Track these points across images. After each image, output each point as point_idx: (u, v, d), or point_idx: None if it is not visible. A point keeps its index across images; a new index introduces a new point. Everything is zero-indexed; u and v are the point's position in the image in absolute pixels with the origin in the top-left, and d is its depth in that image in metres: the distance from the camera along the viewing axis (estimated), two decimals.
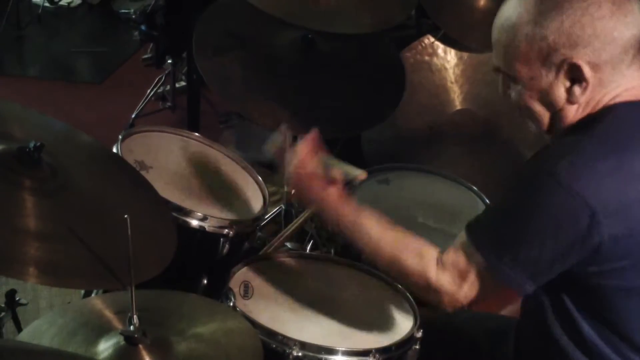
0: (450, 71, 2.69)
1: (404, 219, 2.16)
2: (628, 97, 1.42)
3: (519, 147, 2.68)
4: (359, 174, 1.69)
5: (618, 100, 1.42)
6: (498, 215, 1.50)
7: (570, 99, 1.43)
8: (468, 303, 1.50)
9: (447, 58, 2.68)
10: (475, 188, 2.31)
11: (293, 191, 1.72)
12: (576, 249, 1.38)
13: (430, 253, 1.52)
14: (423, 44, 2.66)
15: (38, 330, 1.45)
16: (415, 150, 2.69)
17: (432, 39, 2.63)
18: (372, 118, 2.32)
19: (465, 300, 1.49)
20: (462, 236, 1.49)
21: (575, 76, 1.41)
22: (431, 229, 2.14)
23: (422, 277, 1.51)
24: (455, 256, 1.48)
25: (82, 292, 2.14)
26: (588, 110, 1.44)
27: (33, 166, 1.47)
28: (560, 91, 1.43)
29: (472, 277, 1.47)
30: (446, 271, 1.49)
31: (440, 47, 2.66)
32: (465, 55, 2.65)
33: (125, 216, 1.32)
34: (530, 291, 1.45)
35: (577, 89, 1.42)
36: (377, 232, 1.58)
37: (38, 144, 1.46)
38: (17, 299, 1.88)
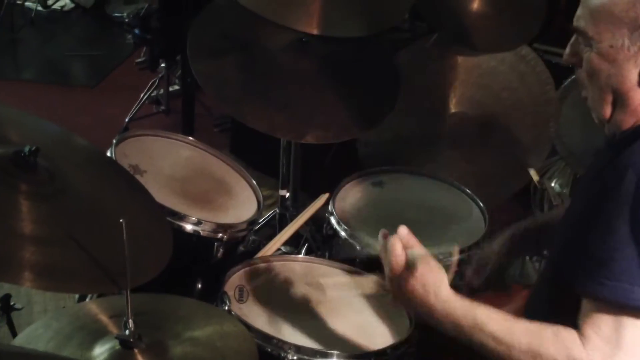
0: (445, 74, 2.69)
1: (398, 221, 2.17)
2: None
3: (513, 150, 2.69)
4: (453, 250, 1.53)
5: None
6: (600, 243, 1.35)
7: None
8: None
9: (442, 61, 2.69)
10: (469, 191, 2.32)
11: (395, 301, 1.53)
12: None
13: (569, 333, 1.37)
14: (418, 47, 2.67)
15: (33, 335, 1.44)
16: (409, 153, 2.69)
17: (426, 42, 2.64)
18: (367, 122, 2.32)
19: None
20: (585, 304, 1.36)
21: None
22: (426, 231, 2.14)
23: None
24: (594, 323, 1.34)
25: (77, 296, 2.14)
26: None
27: (29, 170, 1.47)
28: (633, 71, 1.35)
29: (623, 337, 1.33)
30: (594, 345, 1.34)
31: (434, 51, 2.67)
32: (459, 58, 2.66)
33: (121, 220, 1.32)
34: None
35: None
36: (503, 330, 1.40)
37: (34, 147, 1.46)
38: (11, 303, 1.88)
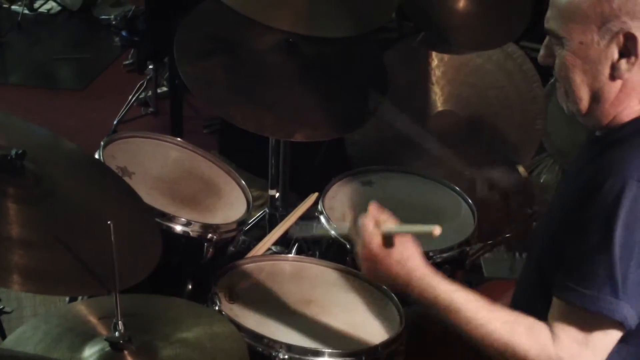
0: (432, 73, 2.70)
1: None
2: None
3: (500, 148, 2.70)
4: (432, 229, 1.45)
5: None
6: (583, 251, 1.36)
7: (615, 73, 1.39)
8: None
9: (428, 60, 2.70)
10: (458, 188, 2.32)
11: (370, 279, 1.55)
12: None
13: (542, 329, 1.39)
14: (404, 46, 2.68)
15: (22, 337, 1.44)
16: (398, 152, 2.70)
17: (413, 41, 2.65)
18: (355, 121, 2.33)
19: None
20: (556, 302, 1.39)
21: (626, 49, 1.37)
22: None
23: (541, 358, 1.37)
24: (564, 324, 1.37)
25: (67, 299, 2.13)
26: (637, 109, 1.41)
27: (16, 173, 1.46)
28: (606, 63, 1.39)
29: (592, 340, 1.35)
30: (562, 344, 1.37)
31: (421, 49, 2.68)
32: (446, 56, 2.67)
33: (109, 222, 1.32)
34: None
35: (623, 64, 1.38)
36: (478, 317, 1.42)
37: (20, 151, 1.46)
38: (0, 307, 1.87)
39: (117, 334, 1.39)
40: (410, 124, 2.37)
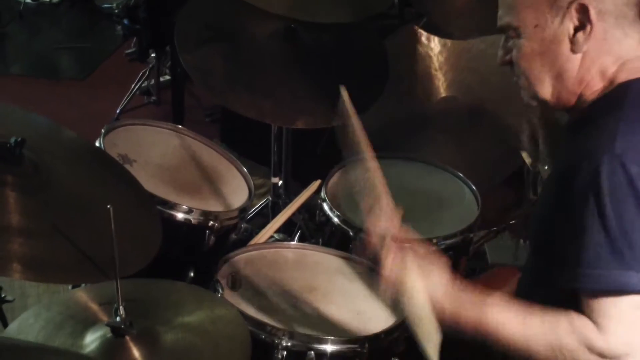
0: (434, 58, 2.68)
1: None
2: (636, 73, 1.40)
3: (503, 134, 2.68)
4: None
5: (629, 76, 1.40)
6: (577, 235, 1.35)
7: (574, 47, 1.40)
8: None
9: (431, 45, 2.68)
10: (461, 174, 2.31)
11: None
12: None
13: (583, 321, 1.36)
14: (406, 32, 2.66)
15: (24, 325, 1.44)
16: (400, 139, 2.69)
17: (415, 26, 2.63)
18: (355, 107, 2.31)
19: (621, 349, 1.34)
20: (582, 295, 1.36)
21: (581, 21, 1.38)
22: (419, 216, 2.14)
23: (591, 350, 1.34)
24: (599, 311, 1.34)
25: (70, 287, 2.13)
26: (600, 81, 1.42)
27: (15, 162, 1.46)
28: (564, 40, 1.40)
29: (626, 315, 1.34)
30: (608, 330, 1.34)
31: (423, 35, 2.66)
32: (448, 42, 2.65)
33: (108, 206, 1.31)
34: None
35: (580, 36, 1.39)
36: (519, 328, 1.40)
37: (19, 139, 1.45)
38: (2, 295, 1.87)
39: (118, 319, 1.39)
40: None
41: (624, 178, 1.31)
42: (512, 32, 1.45)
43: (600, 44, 1.40)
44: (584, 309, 1.37)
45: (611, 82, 1.42)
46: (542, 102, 1.49)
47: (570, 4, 1.38)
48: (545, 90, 1.46)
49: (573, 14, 1.39)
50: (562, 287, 1.39)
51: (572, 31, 1.40)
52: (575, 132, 1.45)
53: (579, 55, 1.41)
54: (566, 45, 1.41)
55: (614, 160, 1.31)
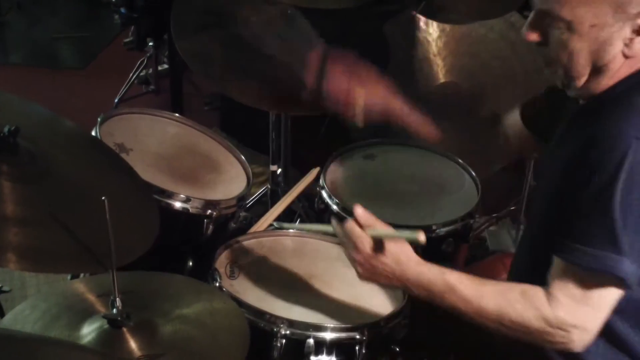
0: (433, 44, 2.66)
1: (390, 193, 2.17)
2: None
3: (504, 119, 2.66)
4: (417, 235, 1.47)
5: None
6: (580, 209, 1.36)
7: (627, 51, 1.38)
8: (598, 327, 1.39)
9: (430, 31, 2.66)
10: (460, 160, 2.30)
11: (363, 280, 1.57)
12: None
13: (536, 291, 1.41)
14: (405, 17, 2.64)
15: (21, 315, 1.44)
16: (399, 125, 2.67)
17: (413, 12, 2.60)
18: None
19: (593, 325, 1.39)
20: (556, 261, 1.40)
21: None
22: (418, 203, 2.13)
23: (538, 320, 1.40)
24: (562, 283, 1.38)
25: (69, 278, 2.13)
26: (625, 71, 1.41)
27: (9, 151, 1.45)
28: (617, 43, 1.38)
29: (591, 298, 1.37)
30: (559, 303, 1.38)
31: (422, 20, 2.63)
32: (447, 27, 2.63)
33: (103, 198, 1.30)
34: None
35: (637, 41, 1.37)
36: (472, 292, 1.46)
37: (13, 128, 1.44)
38: None
39: (114, 311, 1.38)
40: None
41: None
42: (559, 22, 1.40)
43: None
44: (553, 273, 1.40)
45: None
46: (568, 87, 1.46)
47: (637, 14, 1.35)
48: (580, 81, 1.44)
49: (638, 22, 1.36)
50: (555, 254, 1.40)
51: (629, 36, 1.37)
52: (592, 114, 1.43)
53: (624, 57, 1.40)
54: (618, 48, 1.39)
55: None
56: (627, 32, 1.37)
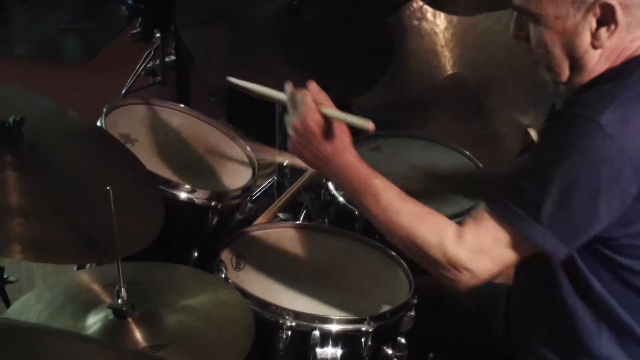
0: (440, 35, 2.66)
1: (396, 185, 2.15)
2: None
3: (510, 111, 2.66)
4: (365, 124, 1.46)
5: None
6: (525, 174, 1.40)
7: (595, 42, 1.38)
8: (489, 278, 1.43)
9: (437, 22, 2.65)
10: (467, 152, 2.29)
11: (291, 151, 1.56)
12: (614, 209, 1.33)
13: (451, 226, 1.44)
14: (411, 8, 2.62)
15: (26, 305, 1.44)
16: (406, 117, 2.66)
17: (420, 3, 2.59)
18: (360, 85, 2.29)
19: (486, 275, 1.42)
20: (482, 206, 1.42)
21: (605, 18, 1.36)
22: (425, 195, 2.11)
23: (439, 251, 1.42)
24: (476, 227, 1.41)
25: (75, 268, 2.13)
26: (610, 62, 1.40)
27: (14, 142, 1.45)
28: (585, 34, 1.38)
29: (495, 250, 1.39)
30: (466, 244, 1.41)
31: (429, 11, 2.63)
32: (454, 18, 2.62)
33: (108, 188, 1.30)
34: (563, 257, 1.39)
35: (603, 32, 1.37)
36: (394, 201, 1.47)
37: (18, 118, 1.44)
38: (5, 276, 1.87)
39: (120, 301, 1.38)
40: None
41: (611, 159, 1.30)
42: (530, 17, 1.42)
43: (623, 36, 1.38)
44: (474, 214, 1.42)
45: (626, 58, 1.40)
46: (557, 84, 1.47)
47: (594, 2, 1.35)
48: (563, 76, 1.44)
49: (597, 10, 1.36)
50: (485, 201, 1.42)
51: (594, 26, 1.37)
52: (571, 104, 1.44)
53: (599, 50, 1.39)
54: (587, 39, 1.38)
55: (603, 134, 1.30)
56: (592, 22, 1.37)
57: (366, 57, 2.27)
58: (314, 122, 1.49)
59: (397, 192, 1.49)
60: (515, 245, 1.38)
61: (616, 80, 1.37)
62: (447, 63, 2.67)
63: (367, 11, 2.37)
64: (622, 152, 1.30)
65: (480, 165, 2.25)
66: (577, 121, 1.34)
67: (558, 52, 1.41)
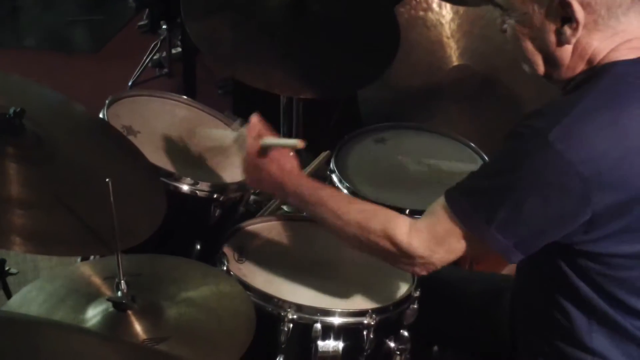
0: (446, 26, 2.63)
1: (401, 177, 2.15)
2: (629, 54, 1.37)
3: (517, 103, 2.63)
4: (296, 143, 1.67)
5: (618, 56, 1.37)
6: (483, 176, 1.44)
7: (561, 39, 1.38)
8: (445, 264, 1.48)
9: (443, 13, 2.63)
10: (473, 145, 2.27)
11: (249, 184, 1.76)
12: (568, 222, 1.34)
13: (402, 218, 1.50)
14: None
15: (26, 298, 1.44)
16: (411, 109, 2.65)
17: None
18: (365, 77, 2.28)
19: (441, 263, 1.47)
20: (441, 200, 1.45)
21: (567, 15, 1.36)
22: (429, 187, 2.11)
23: (391, 241, 1.47)
24: (432, 220, 1.45)
25: (79, 260, 2.13)
26: (585, 62, 1.39)
27: (14, 133, 1.44)
28: (550, 30, 1.38)
29: (449, 243, 1.43)
30: (420, 235, 1.45)
31: (435, 2, 2.60)
32: (461, 9, 2.59)
33: (107, 179, 1.29)
34: (516, 261, 1.42)
35: (567, 30, 1.37)
36: (343, 204, 1.56)
37: (18, 109, 1.43)
38: (7, 268, 1.87)
39: (119, 294, 1.38)
40: None
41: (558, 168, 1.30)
42: (504, 11, 1.43)
43: (593, 34, 1.37)
44: (430, 208, 1.46)
45: (598, 62, 1.39)
46: (535, 74, 1.47)
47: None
48: (539, 69, 1.45)
49: (558, 8, 1.36)
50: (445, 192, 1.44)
51: (559, 23, 1.37)
52: (536, 111, 1.43)
53: (569, 46, 1.38)
54: (553, 36, 1.39)
55: (551, 150, 1.29)
56: (556, 19, 1.37)
57: (372, 49, 2.26)
58: (254, 153, 1.65)
59: (346, 197, 1.64)
60: (468, 240, 1.42)
61: (581, 89, 1.37)
62: (453, 54, 2.65)
63: (373, 2, 2.35)
64: (570, 166, 1.30)
65: (486, 157, 2.23)
66: (529, 133, 1.34)
67: (529, 47, 1.42)
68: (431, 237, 1.44)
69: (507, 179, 1.36)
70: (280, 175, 1.63)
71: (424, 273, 1.50)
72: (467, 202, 1.40)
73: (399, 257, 1.48)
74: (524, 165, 1.33)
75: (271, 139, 1.68)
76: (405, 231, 1.47)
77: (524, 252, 1.39)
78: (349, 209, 1.55)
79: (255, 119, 1.69)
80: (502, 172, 1.38)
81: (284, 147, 1.68)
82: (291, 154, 1.67)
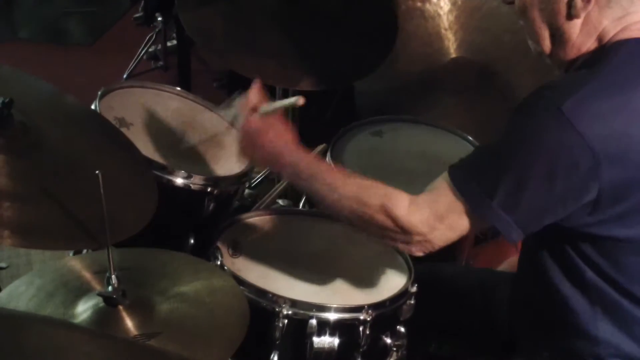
0: (444, 17, 2.61)
1: (398, 170, 2.12)
2: (639, 34, 1.35)
3: (515, 95, 2.61)
4: (296, 100, 1.59)
5: (629, 35, 1.35)
6: (488, 150, 1.41)
7: (570, 12, 1.36)
8: (444, 244, 1.43)
9: (440, 4, 2.61)
10: (470, 138, 2.25)
11: (242, 157, 1.67)
12: (572, 199, 1.31)
13: (401, 193, 1.44)
14: None
15: (16, 292, 1.42)
16: (408, 101, 2.63)
17: None
18: (362, 69, 2.26)
19: (441, 241, 1.42)
20: (443, 176, 1.42)
21: None
22: (427, 180, 2.08)
23: (388, 215, 1.41)
24: (433, 195, 1.41)
25: (71, 254, 2.11)
26: (592, 40, 1.38)
27: (3, 124, 1.41)
28: (561, 1, 1.36)
29: (450, 219, 1.39)
30: (420, 210, 1.40)
31: None
32: (459, 0, 2.57)
33: (97, 172, 1.27)
34: (517, 240, 1.39)
35: (578, 2, 1.34)
36: (341, 176, 1.50)
37: (7, 100, 1.40)
38: None
39: (110, 288, 1.35)
40: None
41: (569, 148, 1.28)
42: None
43: (604, 11, 1.35)
44: (432, 184, 1.42)
45: (608, 41, 1.37)
46: (542, 55, 1.45)
47: None
48: (544, 45, 1.42)
49: None
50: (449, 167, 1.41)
51: None
52: (547, 83, 1.41)
53: (578, 21, 1.36)
54: (564, 8, 1.36)
55: (563, 120, 1.27)
56: None
57: (368, 40, 2.24)
58: (254, 123, 1.57)
59: (344, 171, 1.55)
60: (469, 216, 1.38)
61: (593, 66, 1.35)
62: (451, 46, 2.63)
63: None
64: (581, 139, 1.27)
65: None
66: (541, 104, 1.32)
67: (537, 18, 1.40)
68: (431, 213, 1.39)
69: (514, 151, 1.33)
70: (278, 144, 1.55)
71: (420, 253, 1.45)
72: (470, 176, 1.37)
73: (396, 233, 1.43)
74: (533, 136, 1.30)
75: (268, 105, 1.61)
76: (405, 205, 1.41)
77: (524, 229, 1.36)
78: (346, 182, 1.49)
79: (254, 89, 1.63)
80: (508, 144, 1.35)
81: (284, 108, 1.62)
82: (287, 123, 1.60)
